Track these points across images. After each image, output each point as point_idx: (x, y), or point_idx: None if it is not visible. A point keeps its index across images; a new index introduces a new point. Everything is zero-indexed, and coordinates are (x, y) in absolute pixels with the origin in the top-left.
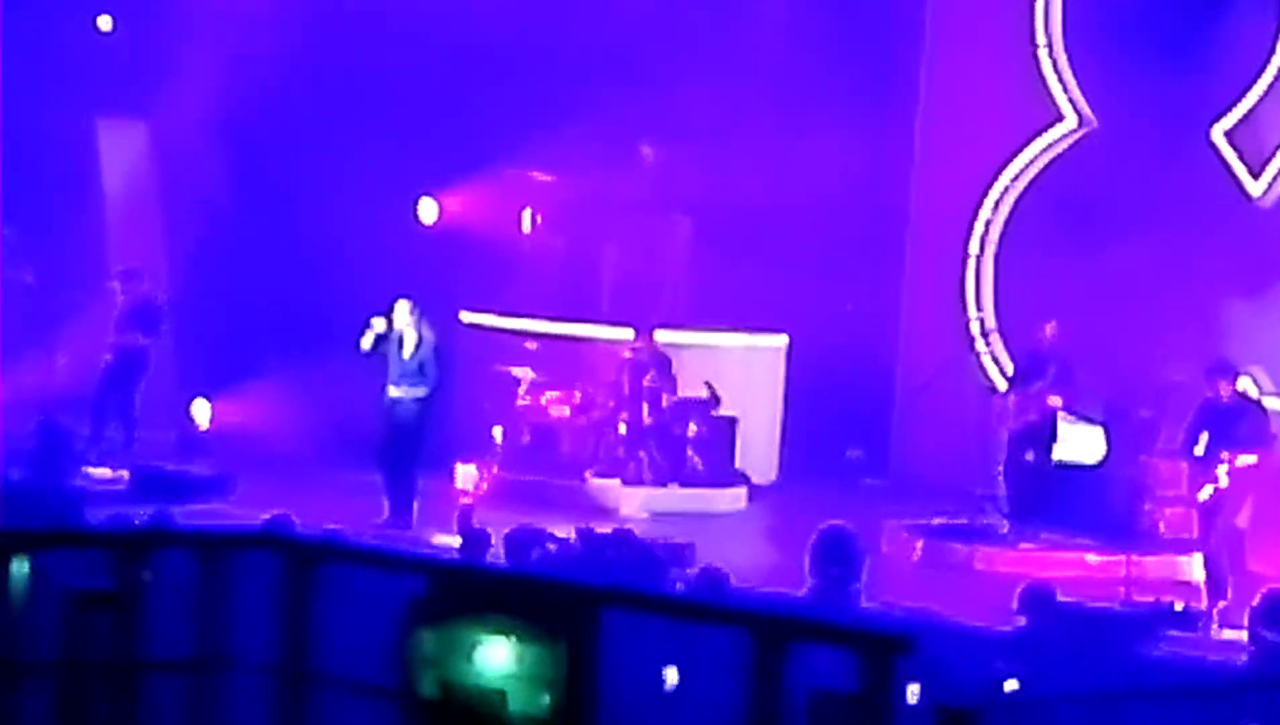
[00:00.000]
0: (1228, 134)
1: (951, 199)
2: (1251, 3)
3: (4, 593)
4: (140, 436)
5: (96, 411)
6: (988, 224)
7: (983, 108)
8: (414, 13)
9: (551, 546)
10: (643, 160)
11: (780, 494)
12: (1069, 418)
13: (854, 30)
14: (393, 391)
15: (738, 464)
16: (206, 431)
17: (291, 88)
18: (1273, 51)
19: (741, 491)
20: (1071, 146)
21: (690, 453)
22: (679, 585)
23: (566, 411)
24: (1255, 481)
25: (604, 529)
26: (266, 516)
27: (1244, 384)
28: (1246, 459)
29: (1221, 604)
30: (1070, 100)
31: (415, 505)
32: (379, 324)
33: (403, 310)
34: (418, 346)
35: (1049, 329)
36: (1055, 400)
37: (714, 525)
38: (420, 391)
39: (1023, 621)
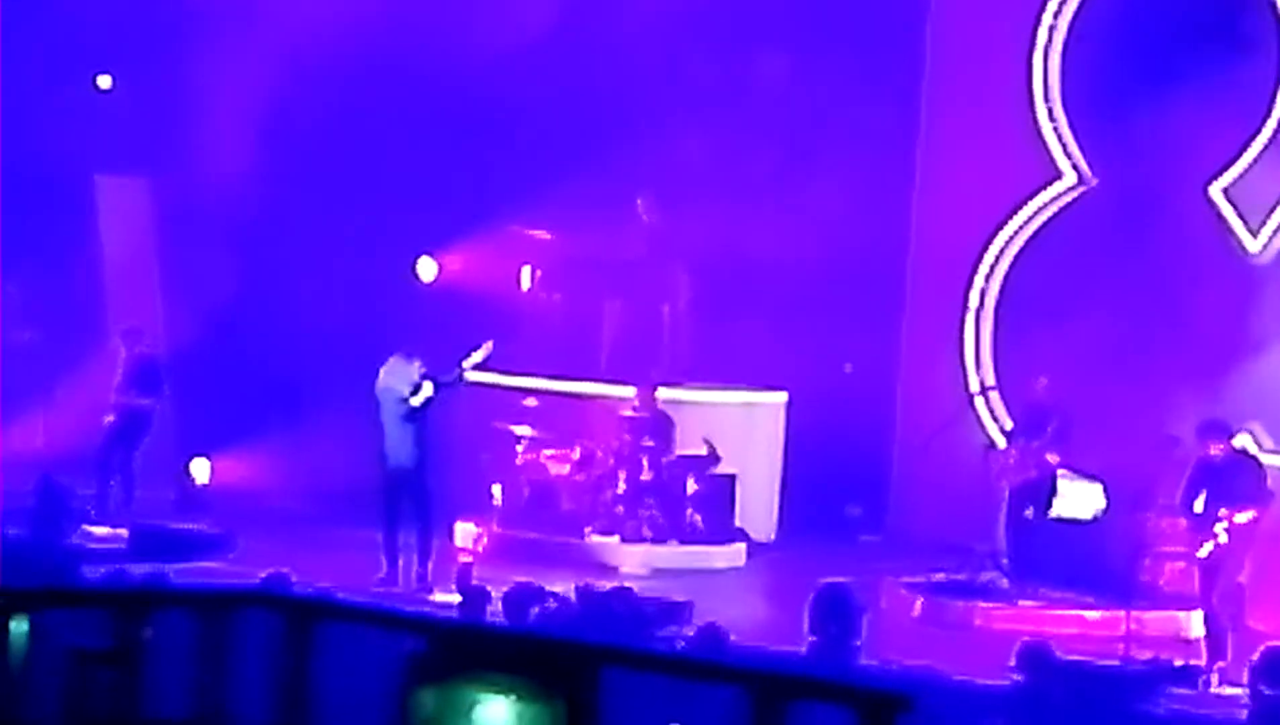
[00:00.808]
0: (1226, 191)
1: (950, 255)
2: (1250, 60)
3: (3, 652)
4: (139, 494)
5: (101, 471)
6: (986, 280)
7: (981, 165)
8: (412, 72)
9: (551, 604)
10: (641, 217)
11: (779, 551)
12: (1068, 474)
13: (853, 87)
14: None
15: (737, 521)
16: (206, 489)
17: (290, 147)
18: (1271, 109)
19: (741, 548)
20: (1070, 203)
21: (689, 510)
22: (679, 643)
23: (566, 468)
24: (1254, 538)
25: (603, 586)
26: (264, 574)
27: (1243, 441)
28: (1245, 516)
29: (1221, 662)
30: (1069, 157)
31: (401, 562)
32: (428, 388)
33: (414, 364)
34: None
35: (1041, 384)
36: (1054, 457)
37: (713, 582)
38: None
39: (1020, 679)
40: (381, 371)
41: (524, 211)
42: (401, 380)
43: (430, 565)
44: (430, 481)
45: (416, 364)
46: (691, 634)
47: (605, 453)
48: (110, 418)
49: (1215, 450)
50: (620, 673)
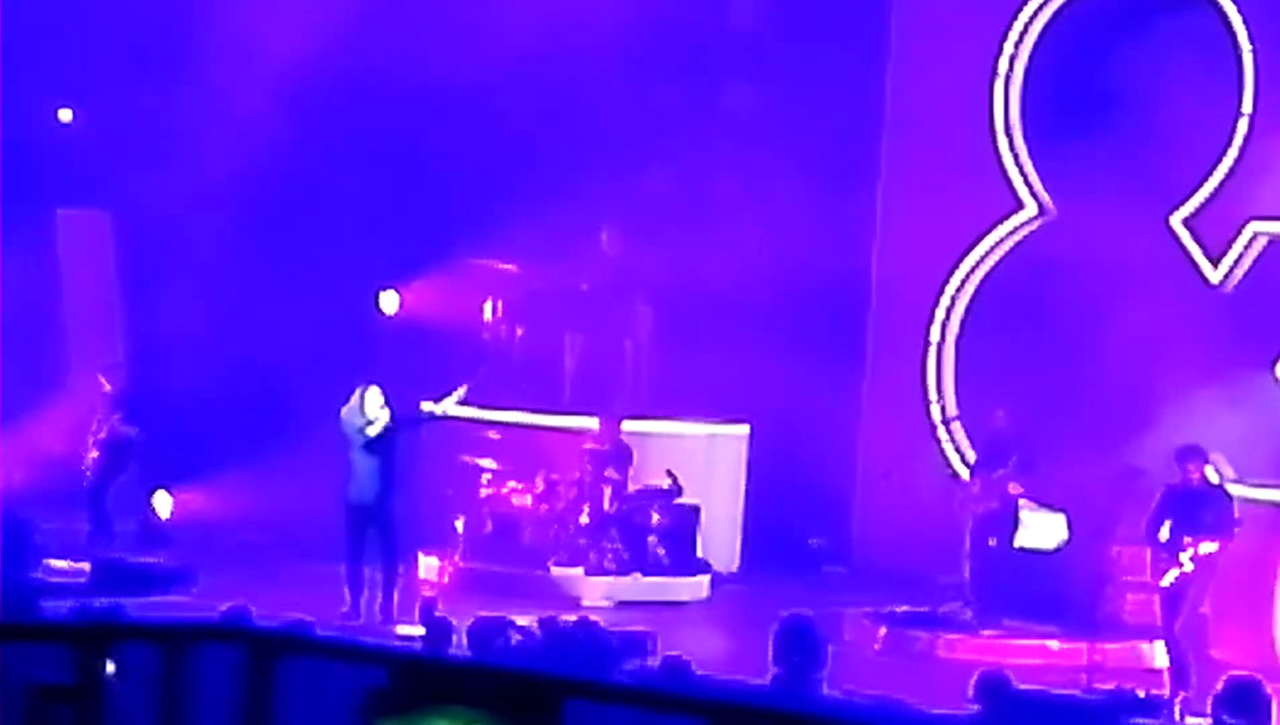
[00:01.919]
0: (1186, 221)
1: (912, 287)
2: (1208, 91)
3: None
4: (103, 528)
5: (93, 505)
6: (948, 311)
7: (943, 196)
8: (374, 106)
9: (515, 636)
10: (603, 250)
11: (742, 582)
12: (1030, 505)
13: (815, 119)
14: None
15: (700, 553)
16: (168, 523)
17: (251, 180)
18: (1230, 139)
19: (704, 580)
20: (1031, 234)
21: (653, 541)
22: (643, 675)
23: (529, 501)
24: (1217, 568)
25: (567, 618)
26: (225, 608)
27: (1207, 471)
28: (1209, 546)
29: (1185, 692)
30: (1029, 188)
31: (365, 596)
32: (383, 417)
33: (374, 395)
34: (386, 426)
35: (1000, 415)
36: (1017, 487)
37: (676, 614)
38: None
39: (976, 709)
40: (345, 406)
41: (486, 244)
42: (361, 412)
43: (395, 598)
44: (395, 514)
45: (377, 394)
46: (655, 666)
47: (568, 485)
48: (94, 454)
49: (1194, 475)
50: (583, 705)
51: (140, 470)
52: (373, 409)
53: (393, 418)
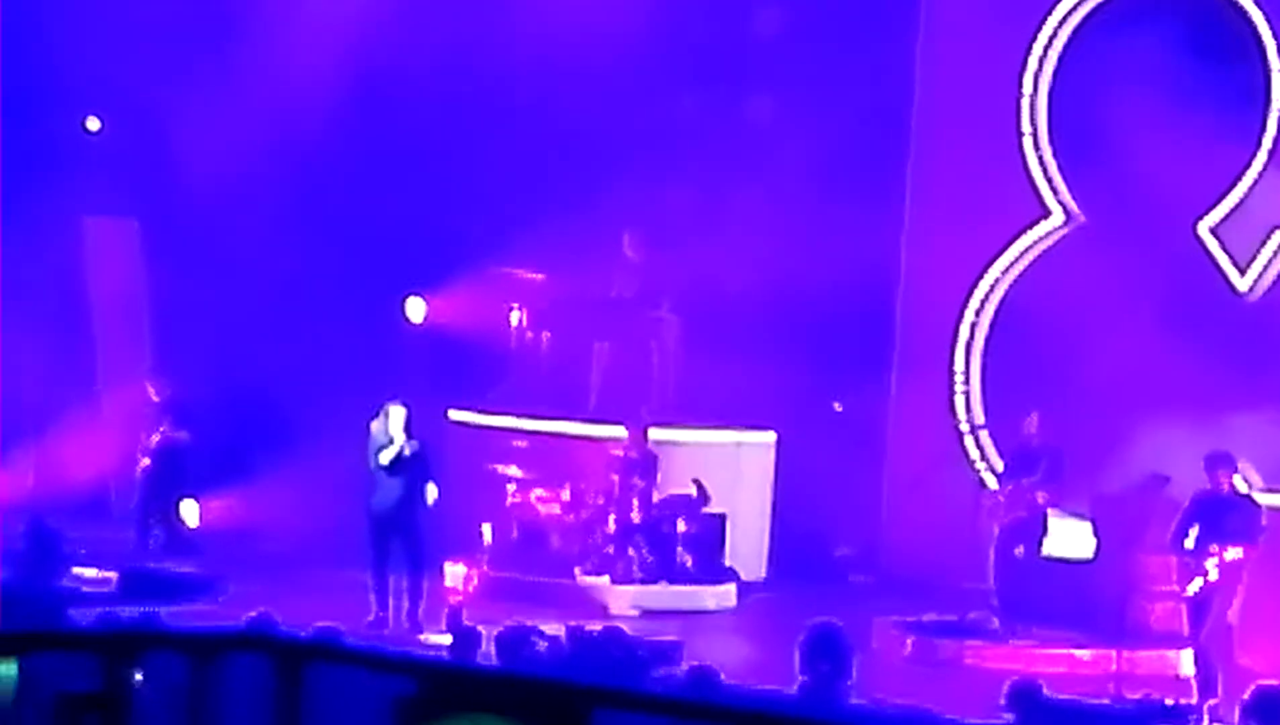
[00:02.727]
0: (1214, 229)
1: (939, 294)
2: (1235, 99)
3: None
4: (130, 536)
5: (141, 515)
6: (975, 319)
7: (970, 204)
8: (401, 114)
9: (541, 645)
10: (630, 258)
11: (769, 591)
12: (1058, 513)
13: (842, 126)
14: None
15: (727, 561)
16: (195, 531)
17: (278, 187)
18: (1258, 147)
19: (731, 588)
20: (1058, 242)
21: (679, 550)
22: (669, 684)
23: (556, 509)
24: (1243, 576)
25: (594, 627)
26: (252, 615)
27: (1235, 479)
28: (1235, 553)
29: (1212, 700)
30: (1056, 196)
31: (391, 604)
32: (398, 443)
33: (397, 416)
34: (409, 448)
35: (1031, 421)
36: (1044, 496)
37: (703, 622)
38: (408, 485)
39: (1010, 718)
40: (374, 421)
41: (513, 252)
42: (385, 432)
43: (421, 606)
44: (420, 522)
45: (400, 415)
46: (682, 674)
47: (595, 493)
48: (146, 461)
49: (1224, 483)
50: (611, 714)
51: (190, 475)
52: (395, 429)
53: (409, 445)
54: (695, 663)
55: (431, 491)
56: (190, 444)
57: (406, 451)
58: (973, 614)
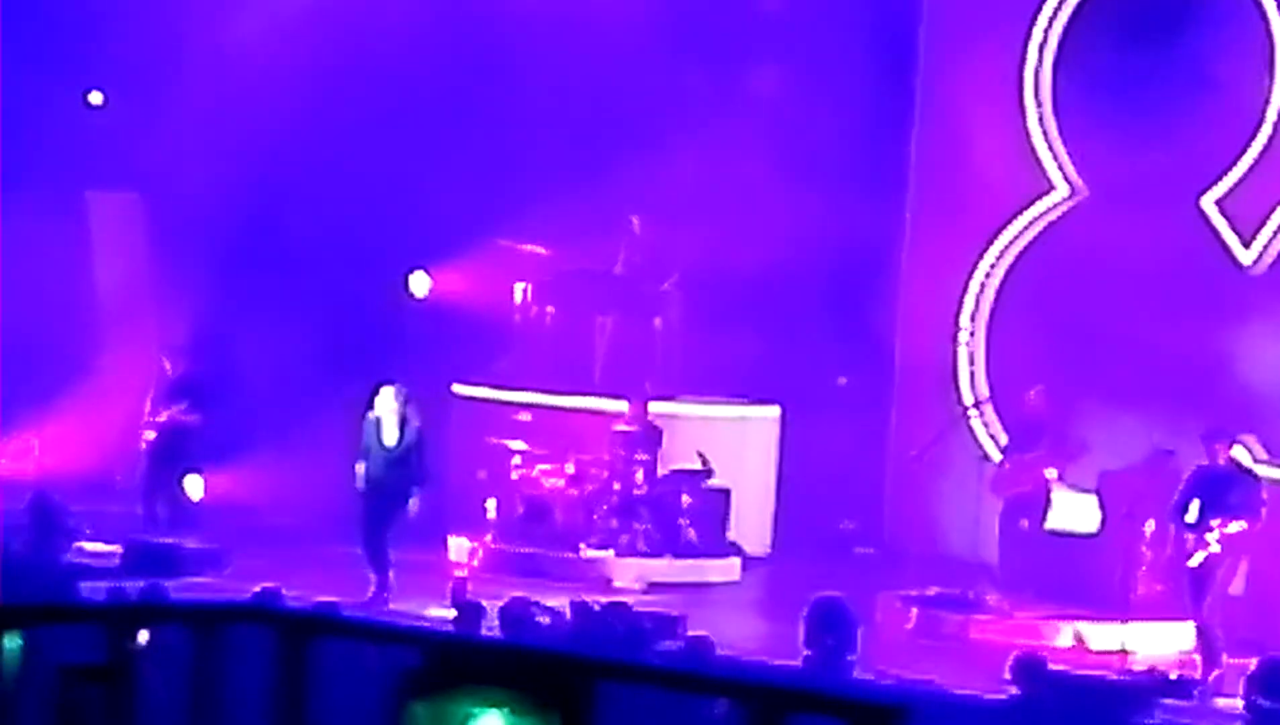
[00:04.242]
0: (1218, 202)
1: (943, 268)
2: (1240, 72)
3: None
4: (137, 511)
5: (147, 490)
6: (979, 293)
7: (974, 178)
8: (405, 87)
9: (545, 618)
10: (633, 232)
11: (774, 565)
12: (1062, 487)
13: (845, 101)
14: (373, 474)
15: (731, 535)
16: (199, 505)
17: (282, 162)
18: (1262, 120)
19: (735, 562)
20: (1063, 216)
21: (684, 524)
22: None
23: (560, 483)
24: (1246, 548)
25: (597, 601)
26: (257, 590)
27: (1236, 452)
28: (1236, 526)
29: (1216, 672)
30: (1061, 170)
31: (391, 579)
32: (392, 423)
33: (387, 398)
34: (402, 434)
35: (1034, 394)
36: (1049, 470)
37: (708, 596)
38: (400, 474)
39: (1015, 691)
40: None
41: (517, 226)
42: (384, 409)
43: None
44: (404, 496)
45: (391, 393)
46: (679, 647)
47: (599, 467)
48: (151, 435)
49: (1221, 457)
50: (615, 687)
51: (197, 452)
52: (383, 409)
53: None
54: (693, 634)
55: (414, 504)
56: (198, 423)
57: (412, 424)
58: (977, 588)
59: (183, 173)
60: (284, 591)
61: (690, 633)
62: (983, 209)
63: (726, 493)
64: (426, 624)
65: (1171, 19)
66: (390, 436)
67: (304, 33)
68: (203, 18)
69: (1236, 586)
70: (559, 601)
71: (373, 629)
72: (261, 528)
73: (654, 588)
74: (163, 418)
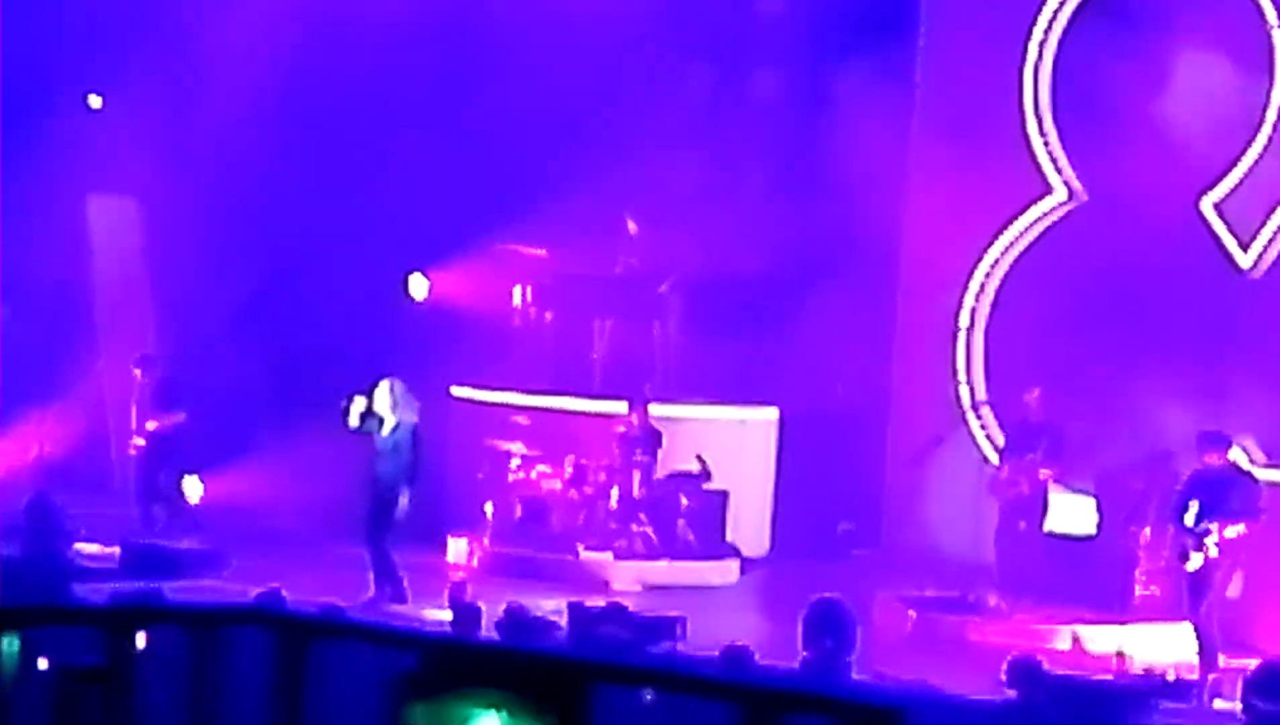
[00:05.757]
0: (1217, 206)
1: (942, 271)
2: (1239, 75)
3: None
4: (133, 512)
5: (143, 496)
6: (978, 296)
7: (973, 181)
8: (403, 91)
9: (543, 621)
10: (632, 234)
11: (772, 567)
12: (1060, 489)
13: (843, 103)
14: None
15: (729, 537)
16: (198, 507)
17: (280, 165)
18: (1260, 124)
19: (733, 564)
20: (1061, 219)
21: (682, 526)
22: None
23: (558, 485)
24: (1244, 552)
25: (596, 603)
26: (257, 592)
27: (1235, 455)
28: (1235, 530)
29: (1213, 675)
30: (1059, 173)
31: (405, 583)
32: (360, 403)
33: (382, 391)
34: (395, 428)
35: (1032, 397)
36: (1047, 472)
37: (706, 598)
38: (390, 470)
39: (1012, 694)
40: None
41: (516, 229)
42: (380, 403)
43: (399, 582)
44: (395, 499)
45: (387, 387)
46: (716, 655)
47: (597, 469)
48: (140, 442)
49: (1215, 461)
50: (612, 689)
51: (189, 453)
52: (380, 405)
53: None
54: (729, 644)
55: (403, 500)
56: (185, 423)
57: (405, 419)
58: (975, 590)
59: (182, 175)
60: (285, 594)
61: (693, 637)
62: (981, 211)
63: (725, 495)
64: (424, 626)
65: (1170, 20)
66: (383, 429)
67: (302, 38)
68: (202, 22)
69: (1234, 589)
70: (557, 603)
71: (371, 631)
72: (261, 529)
73: (652, 590)
74: (152, 426)
